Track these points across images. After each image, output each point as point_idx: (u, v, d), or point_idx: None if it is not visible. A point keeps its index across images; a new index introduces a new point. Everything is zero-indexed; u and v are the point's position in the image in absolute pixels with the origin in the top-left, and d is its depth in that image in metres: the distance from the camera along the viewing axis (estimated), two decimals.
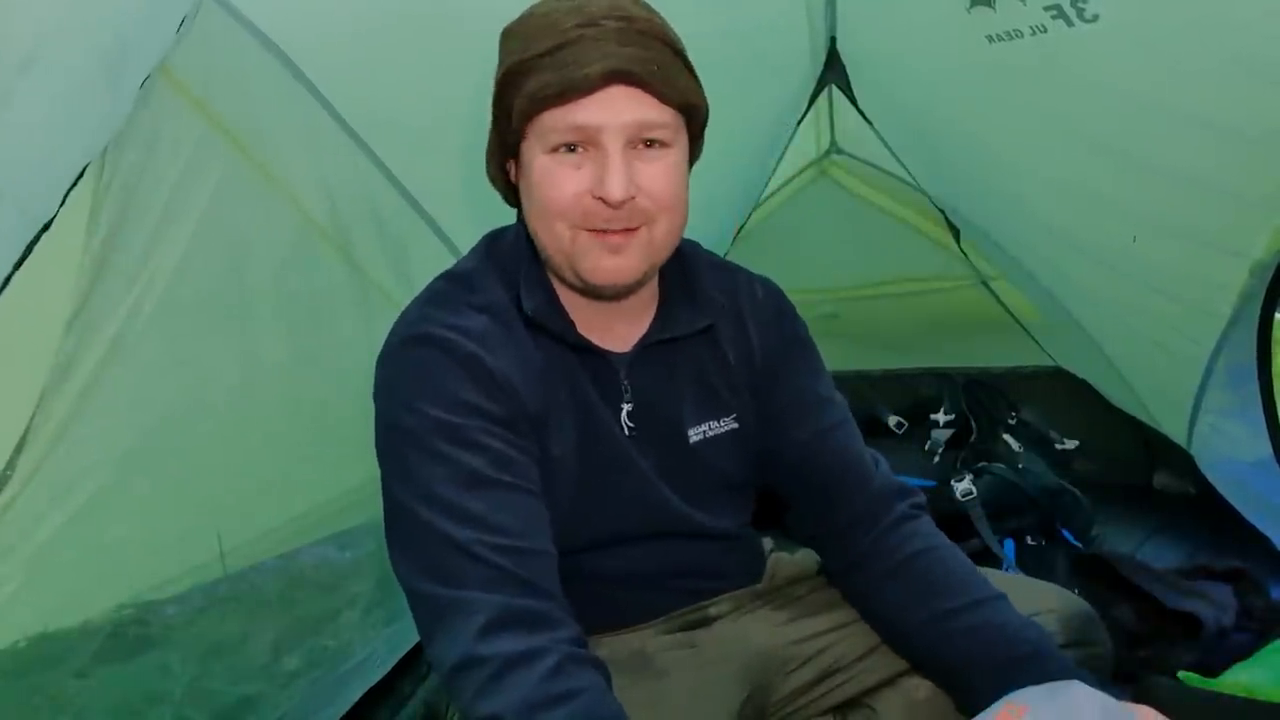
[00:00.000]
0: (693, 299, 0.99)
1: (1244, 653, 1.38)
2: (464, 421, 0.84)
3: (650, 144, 0.85)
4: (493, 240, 0.99)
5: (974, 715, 0.81)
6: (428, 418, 0.84)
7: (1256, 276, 1.55)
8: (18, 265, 0.89)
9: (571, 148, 0.84)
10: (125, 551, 1.27)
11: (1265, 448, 1.81)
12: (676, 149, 0.87)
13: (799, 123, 2.15)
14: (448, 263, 0.99)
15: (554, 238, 0.87)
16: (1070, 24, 1.36)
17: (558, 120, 0.83)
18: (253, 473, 1.42)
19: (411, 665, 1.62)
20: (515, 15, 0.88)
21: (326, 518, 1.58)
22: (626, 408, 0.96)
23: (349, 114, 1.42)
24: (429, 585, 0.81)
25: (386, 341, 0.91)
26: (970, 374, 2.72)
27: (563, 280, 0.92)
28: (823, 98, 2.13)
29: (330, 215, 1.48)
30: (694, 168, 0.94)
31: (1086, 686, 0.77)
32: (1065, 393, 2.57)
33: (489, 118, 0.91)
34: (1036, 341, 2.61)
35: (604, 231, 0.85)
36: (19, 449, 1.13)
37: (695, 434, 1.00)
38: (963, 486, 1.97)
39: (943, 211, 2.35)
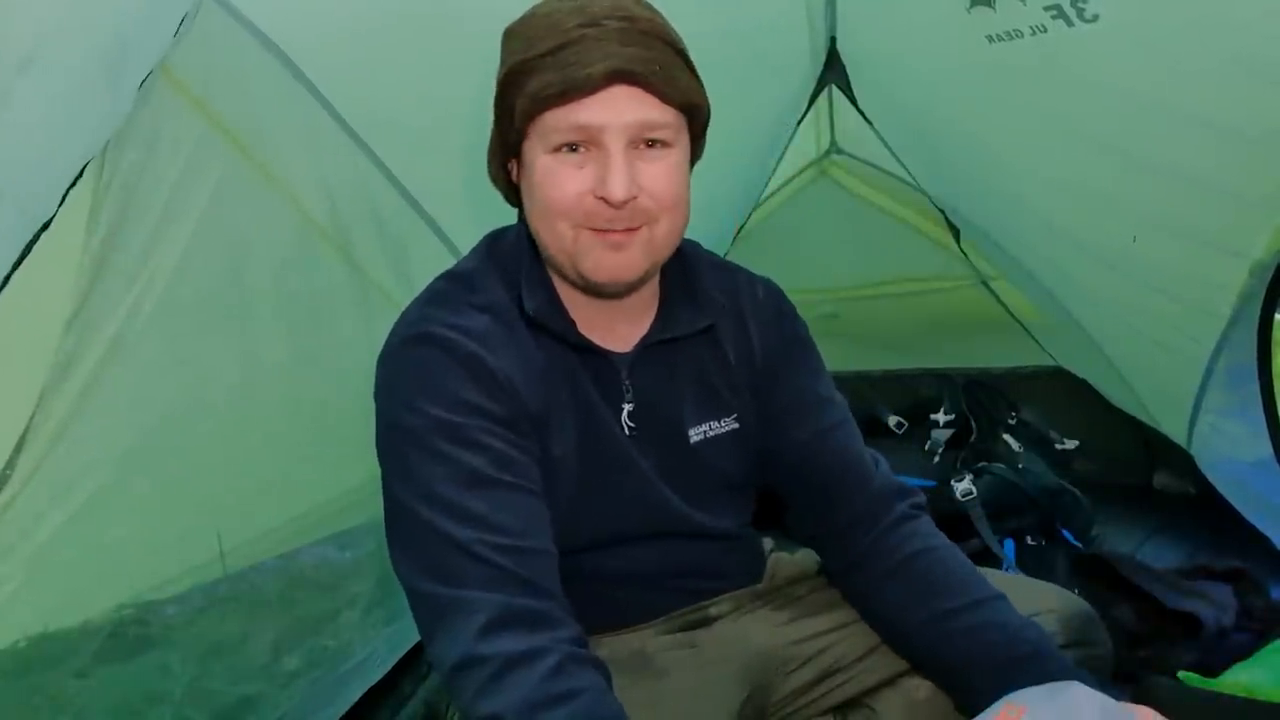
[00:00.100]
0: (693, 299, 0.99)
1: (1244, 653, 1.38)
2: (465, 421, 0.84)
3: (652, 144, 0.85)
4: (494, 240, 0.99)
5: (974, 715, 0.81)
6: (429, 417, 0.84)
7: (1256, 276, 1.55)
8: (17, 264, 0.89)
9: (573, 147, 0.84)
10: (125, 551, 1.27)
11: (1265, 447, 1.80)
12: (678, 149, 0.87)
13: (799, 123, 2.15)
14: (448, 263, 0.99)
15: (556, 236, 0.87)
16: (1070, 24, 1.36)
17: (560, 120, 0.83)
18: (253, 472, 1.42)
19: (412, 665, 1.62)
20: (516, 15, 0.88)
21: (326, 518, 1.58)
22: (627, 408, 0.96)
23: (349, 114, 1.42)
24: (429, 584, 0.81)
25: (387, 341, 0.91)
26: (970, 374, 2.72)
27: (564, 279, 0.92)
28: (823, 98, 2.13)
29: (330, 215, 1.48)
30: (695, 168, 0.94)
31: (1086, 687, 0.77)
32: (1065, 393, 2.57)
33: (490, 118, 0.91)
34: (1036, 341, 2.61)
35: (606, 230, 0.85)
36: (19, 448, 1.13)
37: (696, 434, 1.00)
38: (963, 486, 1.97)
39: (943, 211, 2.35)
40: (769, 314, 1.05)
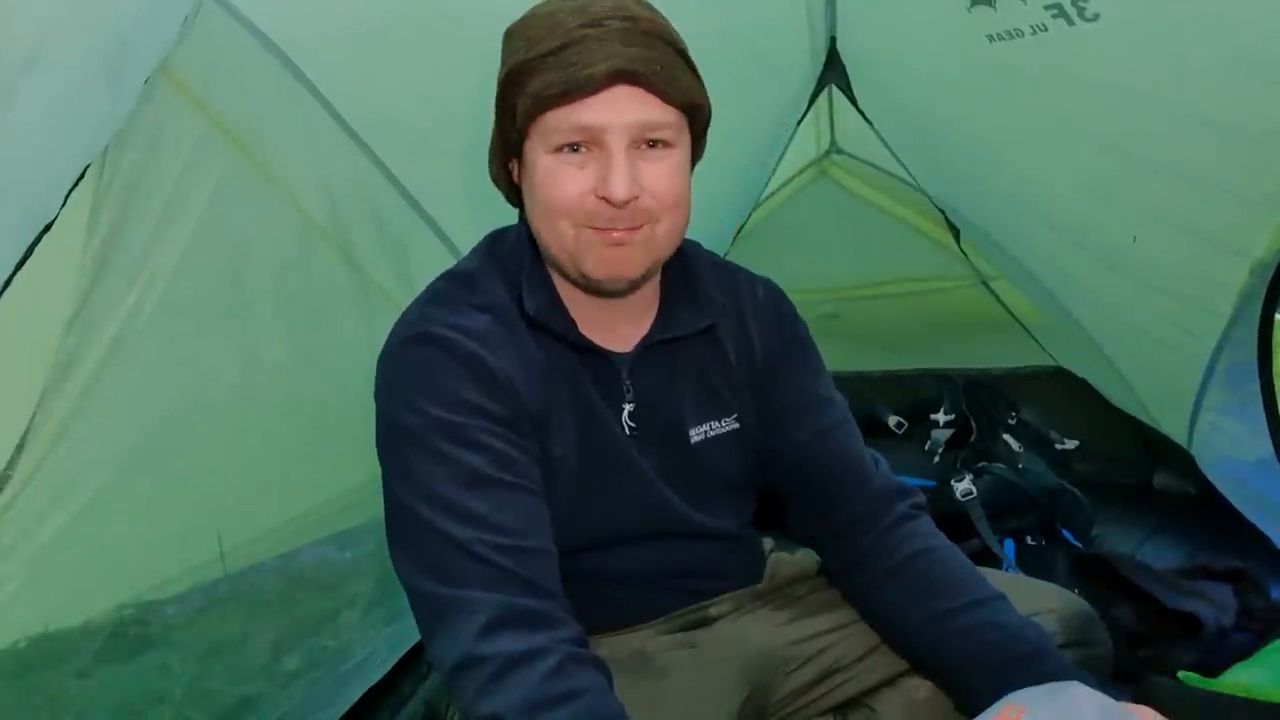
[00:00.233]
0: (694, 299, 0.99)
1: (1244, 653, 1.38)
2: (465, 421, 0.84)
3: (653, 144, 0.85)
4: (494, 240, 0.99)
5: (974, 715, 0.81)
6: (429, 417, 0.84)
7: (1257, 276, 1.55)
8: (20, 265, 0.89)
9: (575, 148, 0.84)
10: (126, 551, 1.27)
11: (1266, 446, 1.80)
12: (679, 149, 0.87)
13: (799, 123, 2.15)
14: (448, 263, 0.99)
15: (557, 236, 0.87)
16: (1071, 23, 1.36)
17: (561, 120, 0.83)
18: (253, 472, 1.42)
19: (412, 665, 1.62)
20: (516, 15, 0.88)
21: (326, 518, 1.58)
22: (628, 408, 0.96)
23: (349, 114, 1.42)
24: (430, 584, 0.81)
25: (387, 341, 0.91)
26: (970, 374, 2.72)
27: (565, 278, 0.92)
28: (823, 98, 2.13)
29: (330, 215, 1.48)
30: (695, 168, 0.94)
31: (1086, 687, 0.77)
32: (1065, 393, 2.57)
33: (491, 118, 0.91)
34: (1037, 341, 2.61)
35: (607, 230, 0.85)
36: (20, 448, 1.13)
37: (696, 434, 1.00)
38: (963, 486, 1.97)
39: (943, 211, 2.35)
40: (769, 314, 1.05)
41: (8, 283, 0.88)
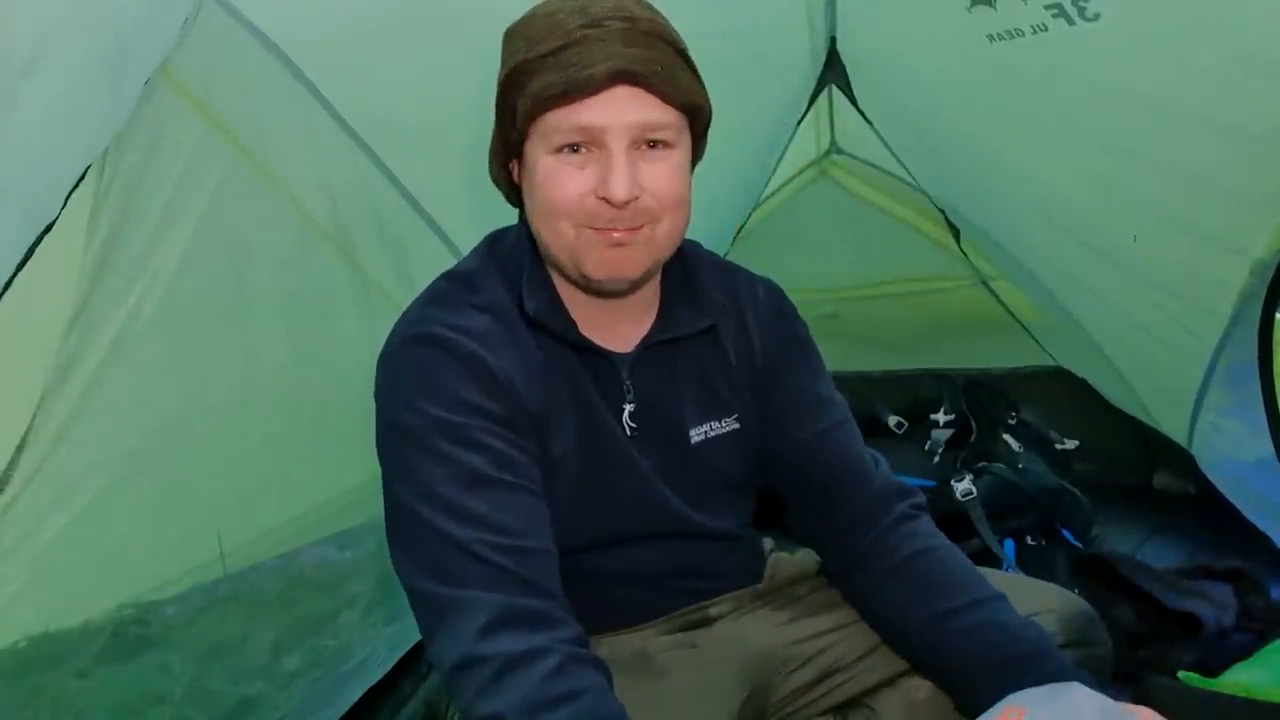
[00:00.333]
0: (694, 299, 0.99)
1: (1244, 653, 1.38)
2: (465, 421, 0.84)
3: (654, 144, 0.85)
4: (494, 240, 0.99)
5: (974, 716, 0.81)
6: (429, 417, 0.84)
7: (1257, 276, 1.55)
8: (20, 266, 0.89)
9: (575, 148, 0.84)
10: (126, 552, 1.27)
11: (1266, 446, 1.80)
12: (680, 149, 0.87)
13: (799, 123, 2.15)
14: (448, 263, 0.99)
15: (557, 236, 0.87)
16: (1071, 23, 1.36)
17: (562, 120, 0.83)
18: (253, 473, 1.42)
19: (412, 665, 1.62)
20: (516, 15, 0.88)
21: (327, 518, 1.58)
22: (628, 408, 0.96)
23: (349, 114, 1.42)
24: (430, 584, 0.81)
25: (387, 341, 0.91)
26: (970, 374, 2.72)
27: (566, 278, 0.92)
28: (823, 98, 2.13)
29: (331, 215, 1.48)
30: (695, 168, 0.94)
31: (1086, 688, 0.77)
32: (1065, 393, 2.57)
33: (491, 118, 0.91)
34: (1037, 341, 2.61)
35: (607, 230, 0.85)
36: (20, 449, 1.13)
37: (697, 434, 1.00)
38: (963, 486, 1.97)
39: (943, 211, 2.35)
40: (769, 314, 1.05)
41: (8, 284, 0.88)
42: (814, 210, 2.58)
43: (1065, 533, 2.02)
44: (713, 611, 1.05)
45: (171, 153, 1.20)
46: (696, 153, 0.93)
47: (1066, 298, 2.09)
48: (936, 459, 2.48)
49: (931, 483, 2.15)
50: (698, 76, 0.88)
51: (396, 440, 0.86)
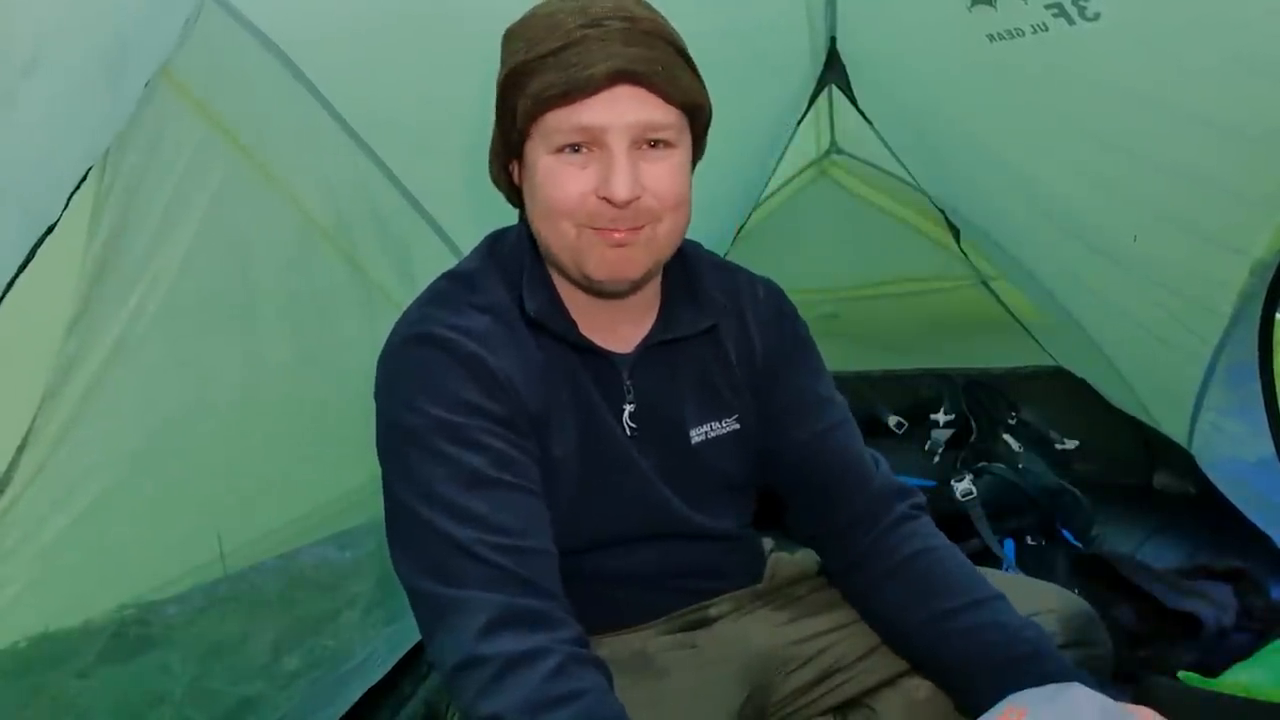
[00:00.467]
0: (695, 299, 0.99)
1: (1244, 653, 1.38)
2: (465, 421, 0.84)
3: (655, 144, 0.85)
4: (495, 241, 0.99)
5: (974, 715, 0.81)
6: (429, 417, 0.84)
7: (1257, 276, 1.55)
8: (22, 268, 0.89)
9: (576, 148, 0.84)
10: (127, 552, 1.27)
11: (1266, 446, 1.80)
12: (681, 149, 0.87)
13: (799, 123, 2.15)
14: (450, 263, 0.99)
15: (559, 236, 0.87)
16: (1071, 22, 1.36)
17: (562, 121, 0.83)
18: (255, 473, 1.42)
19: (412, 665, 1.62)
20: (516, 15, 0.88)
21: (328, 519, 1.58)
22: (629, 408, 0.96)
23: (349, 114, 1.42)
24: (430, 584, 0.81)
25: (388, 341, 0.91)
26: (970, 374, 2.72)
27: (567, 278, 0.92)
28: (823, 98, 2.13)
29: (332, 215, 1.48)
30: (695, 168, 0.94)
31: (1086, 689, 0.77)
32: (1065, 393, 2.57)
33: (491, 118, 0.91)
34: (1037, 341, 2.61)
35: (609, 230, 0.85)
36: (21, 450, 1.13)
37: (697, 434, 1.00)
38: (963, 486, 1.97)
39: (943, 211, 2.35)
40: (770, 314, 1.05)
41: (10, 285, 0.88)
42: (814, 210, 2.58)
43: (1065, 533, 2.02)
44: (713, 612, 1.05)
45: (172, 153, 1.20)
46: (696, 152, 0.93)
47: (1066, 297, 2.09)
48: (936, 459, 2.48)
49: (931, 483, 2.15)
50: (698, 76, 0.88)
51: (397, 440, 0.86)
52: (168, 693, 1.27)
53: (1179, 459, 2.15)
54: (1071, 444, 2.51)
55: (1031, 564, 1.87)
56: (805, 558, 1.11)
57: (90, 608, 1.25)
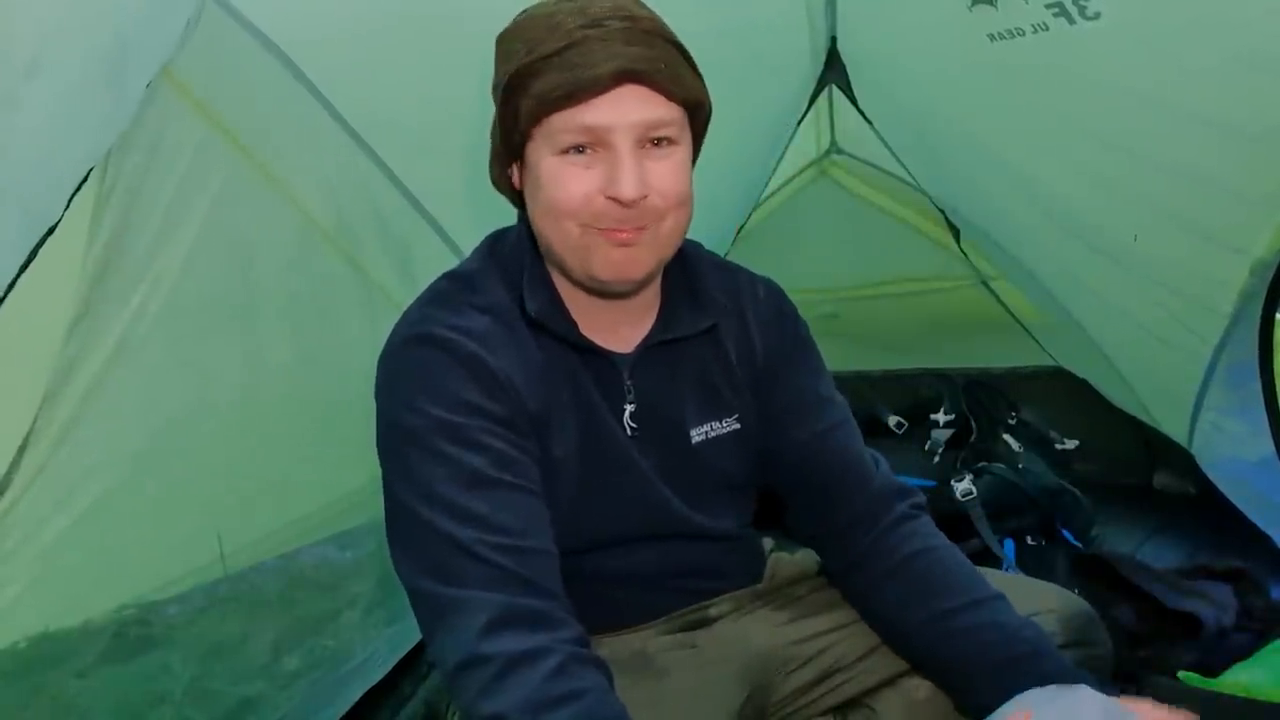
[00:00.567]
0: (695, 299, 0.99)
1: (1244, 653, 1.38)
2: (465, 421, 0.84)
3: (658, 142, 0.85)
4: (495, 241, 0.99)
5: (974, 715, 0.81)
6: (429, 417, 0.84)
7: (1257, 275, 1.55)
8: (23, 269, 0.89)
9: (580, 149, 0.84)
10: (127, 552, 1.27)
11: (1267, 446, 1.80)
12: (683, 146, 0.88)
13: (799, 123, 2.15)
14: (450, 263, 0.99)
15: (564, 236, 0.87)
16: (1072, 22, 1.36)
17: (567, 122, 0.83)
18: (256, 474, 1.42)
19: (412, 665, 1.62)
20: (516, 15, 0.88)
21: (329, 519, 1.58)
22: (629, 408, 0.96)
23: (350, 114, 1.42)
24: (431, 584, 0.81)
25: (388, 341, 0.91)
26: (970, 374, 2.72)
27: (570, 279, 0.92)
28: (823, 98, 2.13)
29: (332, 216, 1.48)
30: (695, 166, 0.94)
31: (1091, 690, 0.77)
32: (1065, 393, 2.57)
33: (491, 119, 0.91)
34: (1037, 341, 2.61)
35: (614, 230, 0.85)
36: (22, 451, 1.14)
37: (698, 434, 1.00)
38: (963, 486, 1.97)
39: (943, 211, 2.35)
40: (770, 314, 1.05)
41: (11, 286, 0.88)
42: (814, 210, 2.58)
43: (1065, 533, 2.02)
44: (713, 612, 1.05)
45: (173, 154, 1.20)
46: (695, 149, 0.93)
47: (1067, 297, 2.09)
48: (936, 459, 2.48)
49: (931, 483, 2.15)
50: (698, 73, 0.88)
51: (397, 440, 0.86)
52: (168, 693, 1.27)
53: (1179, 459, 2.15)
54: (1071, 444, 2.51)
55: (1031, 564, 1.87)
56: (805, 558, 1.11)
57: (90, 608, 1.25)
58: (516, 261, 0.94)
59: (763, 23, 1.74)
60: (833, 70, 2.00)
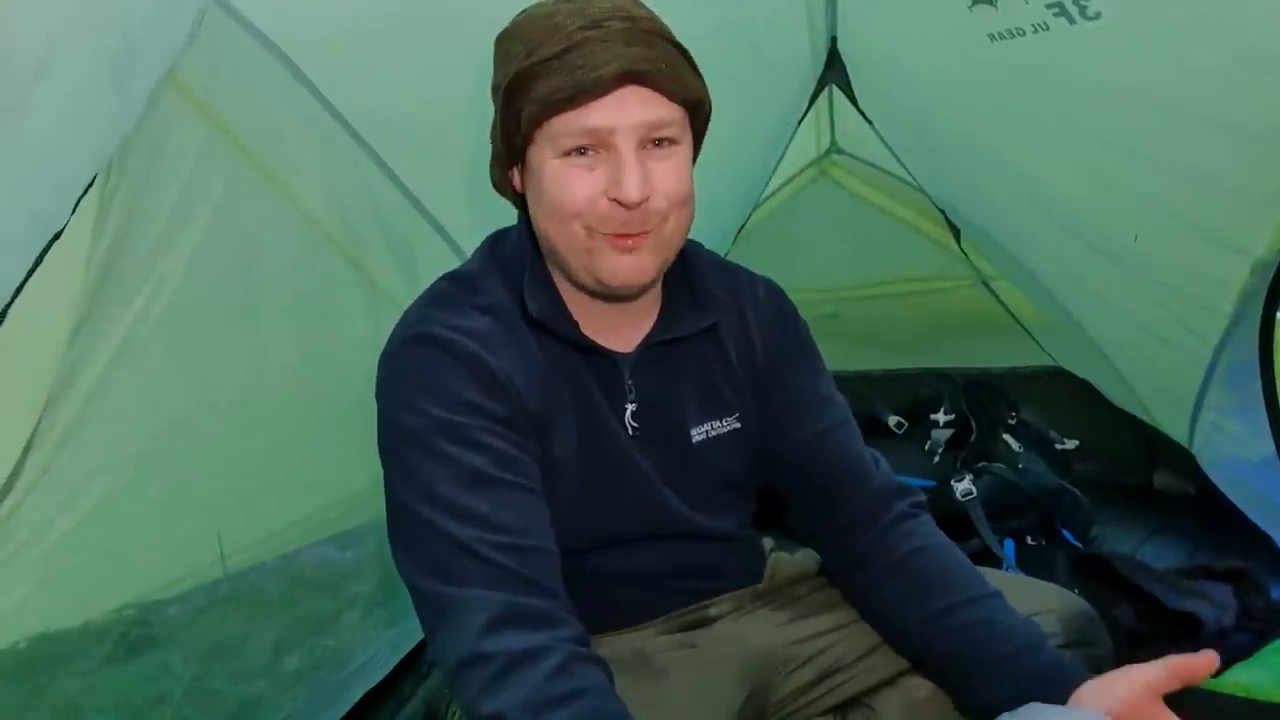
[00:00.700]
0: (696, 299, 0.99)
1: (1244, 653, 1.38)
2: (466, 421, 0.84)
3: (659, 142, 0.85)
4: (495, 241, 0.99)
5: (972, 714, 0.81)
6: (430, 417, 0.84)
7: (1258, 275, 1.55)
8: (31, 272, 0.88)
9: (583, 151, 0.84)
10: (129, 553, 1.28)
11: (1267, 445, 1.80)
12: (684, 145, 0.88)
13: (799, 122, 2.15)
14: (452, 263, 1.00)
15: (569, 239, 0.87)
16: (1072, 21, 1.36)
17: (569, 124, 0.83)
18: (259, 475, 1.42)
19: (413, 665, 1.62)
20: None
21: (330, 520, 1.58)
22: (630, 408, 0.96)
23: (351, 115, 1.42)
24: (432, 583, 0.81)
25: (389, 341, 0.91)
26: (970, 374, 2.72)
27: (573, 281, 0.92)
28: (823, 98, 2.13)
29: (335, 217, 1.48)
30: (695, 165, 0.94)
31: (1095, 713, 0.77)
32: (1065, 393, 2.57)
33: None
34: (1036, 341, 2.61)
35: (620, 235, 0.85)
36: (26, 453, 1.14)
37: (698, 434, 1.00)
38: (963, 486, 1.98)
39: (943, 211, 2.35)
40: (770, 314, 1.05)
41: (18, 291, 0.87)
42: (814, 210, 2.58)
43: (1065, 533, 2.02)
44: (713, 611, 1.05)
45: (176, 156, 1.21)
46: (696, 148, 0.93)
47: (1067, 297, 2.09)
48: (936, 459, 2.48)
49: (931, 483, 2.15)
50: (698, 72, 0.88)
51: (397, 440, 0.86)
52: (169, 693, 1.28)
53: (1179, 459, 2.15)
54: (1071, 444, 2.51)
55: (1031, 564, 1.87)
56: (805, 558, 1.11)
57: (91, 608, 1.25)
58: (517, 262, 0.94)
59: (762, 22, 1.74)
60: (833, 70, 1.99)
